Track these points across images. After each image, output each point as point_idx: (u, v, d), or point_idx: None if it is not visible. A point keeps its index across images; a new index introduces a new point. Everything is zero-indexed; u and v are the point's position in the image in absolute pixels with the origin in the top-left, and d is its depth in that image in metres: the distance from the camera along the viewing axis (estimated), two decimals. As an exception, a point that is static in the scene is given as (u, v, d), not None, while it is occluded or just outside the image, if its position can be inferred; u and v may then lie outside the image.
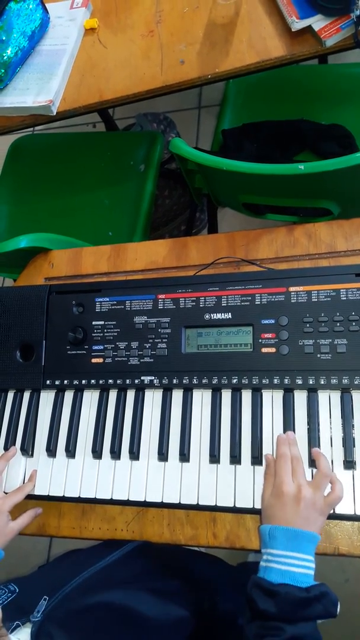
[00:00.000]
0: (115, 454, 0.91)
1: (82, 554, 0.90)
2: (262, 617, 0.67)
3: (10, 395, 1.03)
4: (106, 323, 0.97)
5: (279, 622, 0.65)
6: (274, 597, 0.66)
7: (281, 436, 0.82)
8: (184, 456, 0.88)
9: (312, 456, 0.81)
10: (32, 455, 0.98)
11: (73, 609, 0.70)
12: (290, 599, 0.66)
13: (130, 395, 0.95)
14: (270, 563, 0.70)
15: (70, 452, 0.94)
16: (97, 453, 0.93)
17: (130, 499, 0.89)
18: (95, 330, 0.97)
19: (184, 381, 0.91)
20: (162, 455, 0.89)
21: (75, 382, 0.97)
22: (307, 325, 0.86)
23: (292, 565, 0.70)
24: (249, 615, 0.69)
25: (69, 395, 0.98)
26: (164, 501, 0.87)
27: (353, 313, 0.84)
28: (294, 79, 1.53)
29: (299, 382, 0.85)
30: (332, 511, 0.78)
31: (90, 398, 0.97)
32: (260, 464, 0.84)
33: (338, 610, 0.68)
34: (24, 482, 0.96)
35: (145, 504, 0.89)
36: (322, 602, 0.67)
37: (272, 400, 0.87)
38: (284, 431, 0.85)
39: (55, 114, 1.30)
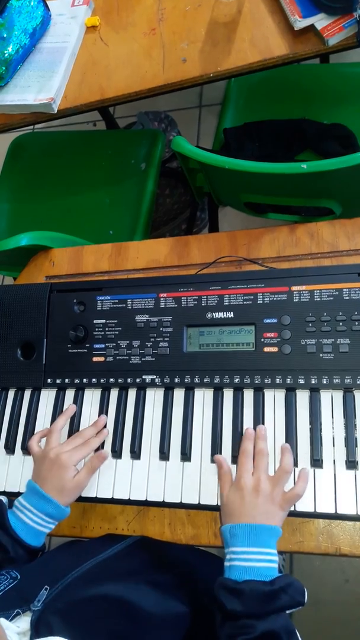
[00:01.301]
0: (117, 453, 0.91)
1: (84, 544, 0.90)
2: (231, 618, 0.66)
3: (11, 394, 1.02)
4: (107, 322, 0.97)
5: (248, 620, 0.65)
6: (240, 595, 0.66)
7: (249, 431, 0.84)
8: (186, 455, 0.88)
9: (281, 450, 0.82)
10: (32, 454, 0.97)
11: (73, 600, 0.70)
12: (255, 594, 0.66)
13: (132, 394, 0.95)
14: (233, 561, 0.71)
15: (72, 451, 0.94)
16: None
17: (132, 498, 0.88)
18: (96, 329, 0.97)
19: (186, 380, 0.90)
20: (164, 455, 0.89)
21: (77, 380, 0.96)
22: (310, 324, 0.86)
23: (254, 561, 0.70)
24: (219, 618, 0.69)
25: (70, 394, 0.98)
26: (165, 500, 0.87)
27: (356, 312, 0.84)
28: (296, 78, 1.53)
29: (301, 381, 0.85)
30: (336, 512, 0.78)
31: (92, 397, 0.97)
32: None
33: (306, 598, 0.69)
34: (22, 482, 0.95)
35: (146, 503, 0.88)
36: (288, 592, 0.67)
37: (274, 400, 0.87)
38: (286, 431, 0.84)
39: (56, 111, 1.30)
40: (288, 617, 0.67)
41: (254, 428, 0.85)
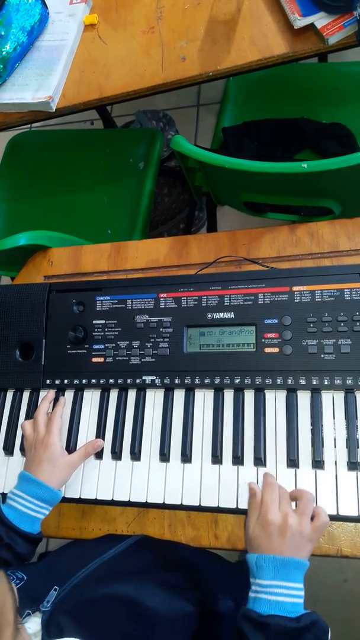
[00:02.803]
0: (116, 454, 0.91)
1: (87, 544, 0.90)
2: None
3: (10, 395, 1.02)
4: (107, 322, 0.96)
5: None
6: (265, 629, 0.65)
7: (268, 475, 0.81)
8: (186, 457, 0.87)
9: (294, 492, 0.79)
10: (31, 455, 0.96)
11: (82, 600, 0.70)
12: (280, 630, 0.65)
13: (132, 395, 0.94)
14: (259, 594, 0.69)
15: (71, 452, 0.93)
16: (97, 454, 0.92)
17: (132, 499, 0.88)
18: (95, 329, 0.96)
19: (186, 381, 0.90)
20: (164, 456, 0.88)
21: (76, 381, 0.96)
22: (311, 325, 0.85)
23: (281, 595, 0.68)
24: None
25: (69, 395, 0.97)
26: (166, 502, 0.86)
27: (357, 313, 0.84)
28: (295, 78, 1.52)
29: (303, 382, 0.84)
30: (338, 513, 0.78)
31: (91, 398, 0.96)
32: (264, 465, 0.84)
33: (329, 636, 0.68)
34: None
35: (146, 505, 0.88)
36: (312, 631, 0.66)
37: (275, 401, 0.87)
38: (287, 432, 0.84)
39: (54, 110, 1.29)
40: None
41: (255, 430, 0.85)
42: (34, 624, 0.65)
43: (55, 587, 0.70)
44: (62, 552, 0.88)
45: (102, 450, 0.92)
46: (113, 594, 0.72)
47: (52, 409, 0.95)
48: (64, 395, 0.97)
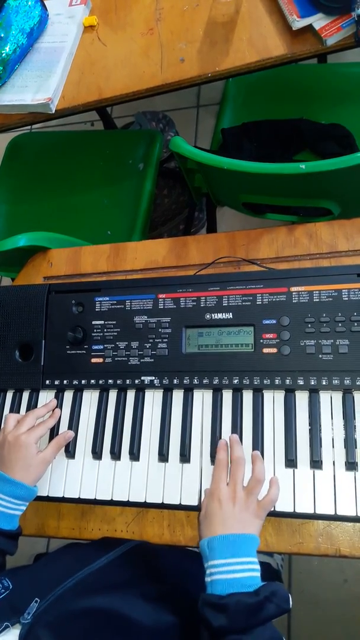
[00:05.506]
0: (115, 454, 0.91)
1: (78, 551, 0.89)
2: (219, 635, 0.65)
3: (9, 396, 1.02)
4: (106, 323, 0.96)
5: (236, 635, 0.64)
6: (225, 610, 0.65)
7: (221, 441, 0.85)
8: (185, 457, 0.87)
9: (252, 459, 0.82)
10: (31, 455, 0.97)
11: (64, 613, 0.69)
12: (241, 608, 0.65)
13: (131, 395, 0.94)
14: (214, 575, 0.69)
15: (70, 452, 0.93)
16: (97, 454, 0.92)
17: (131, 500, 0.88)
18: (95, 330, 0.97)
19: (185, 381, 0.90)
20: (163, 456, 0.88)
21: (75, 382, 0.96)
22: (309, 325, 0.86)
23: (235, 572, 0.68)
24: (206, 636, 0.67)
25: (68, 396, 0.98)
26: (165, 502, 0.87)
27: (355, 313, 0.84)
28: (294, 78, 1.53)
29: (301, 382, 0.84)
30: (336, 513, 0.78)
31: (90, 398, 0.96)
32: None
33: (291, 603, 0.68)
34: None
35: (145, 505, 0.88)
36: (273, 601, 0.66)
37: (273, 401, 0.87)
38: (285, 432, 0.84)
39: (54, 111, 1.29)
40: (273, 626, 0.67)
41: (254, 430, 0.85)
42: (12, 637, 0.63)
43: (37, 598, 0.69)
44: (54, 557, 0.87)
45: (101, 450, 0.92)
46: (96, 607, 0.70)
47: (51, 416, 0.95)
48: (62, 402, 0.98)
